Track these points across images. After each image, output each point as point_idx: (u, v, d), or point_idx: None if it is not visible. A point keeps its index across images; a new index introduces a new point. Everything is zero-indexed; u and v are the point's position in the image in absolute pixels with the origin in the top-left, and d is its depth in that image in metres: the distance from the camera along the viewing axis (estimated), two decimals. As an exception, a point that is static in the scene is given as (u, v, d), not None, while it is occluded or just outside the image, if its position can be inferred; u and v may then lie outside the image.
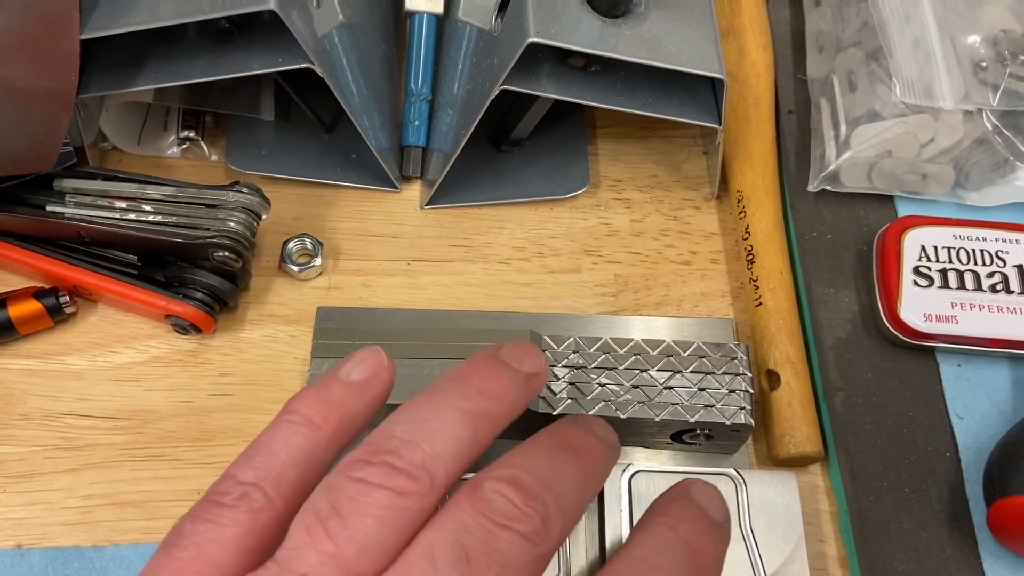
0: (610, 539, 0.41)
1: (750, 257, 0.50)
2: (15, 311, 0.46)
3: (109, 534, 0.43)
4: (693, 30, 0.47)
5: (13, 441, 0.45)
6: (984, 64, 0.49)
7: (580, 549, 0.41)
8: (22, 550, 0.42)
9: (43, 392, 0.46)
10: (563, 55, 0.47)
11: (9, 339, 0.47)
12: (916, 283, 0.47)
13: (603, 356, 0.43)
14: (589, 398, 0.42)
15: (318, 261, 0.50)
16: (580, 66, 0.47)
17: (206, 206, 0.46)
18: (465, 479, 0.29)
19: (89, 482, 0.44)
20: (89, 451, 0.45)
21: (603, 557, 0.41)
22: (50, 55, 0.42)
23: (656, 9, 0.48)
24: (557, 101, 0.49)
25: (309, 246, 0.51)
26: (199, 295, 0.47)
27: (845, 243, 0.51)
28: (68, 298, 0.47)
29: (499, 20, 0.53)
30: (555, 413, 0.42)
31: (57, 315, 0.47)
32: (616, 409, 0.42)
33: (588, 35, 0.45)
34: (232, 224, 0.45)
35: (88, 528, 0.43)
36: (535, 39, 0.44)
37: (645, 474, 0.42)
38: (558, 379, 0.43)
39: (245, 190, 0.46)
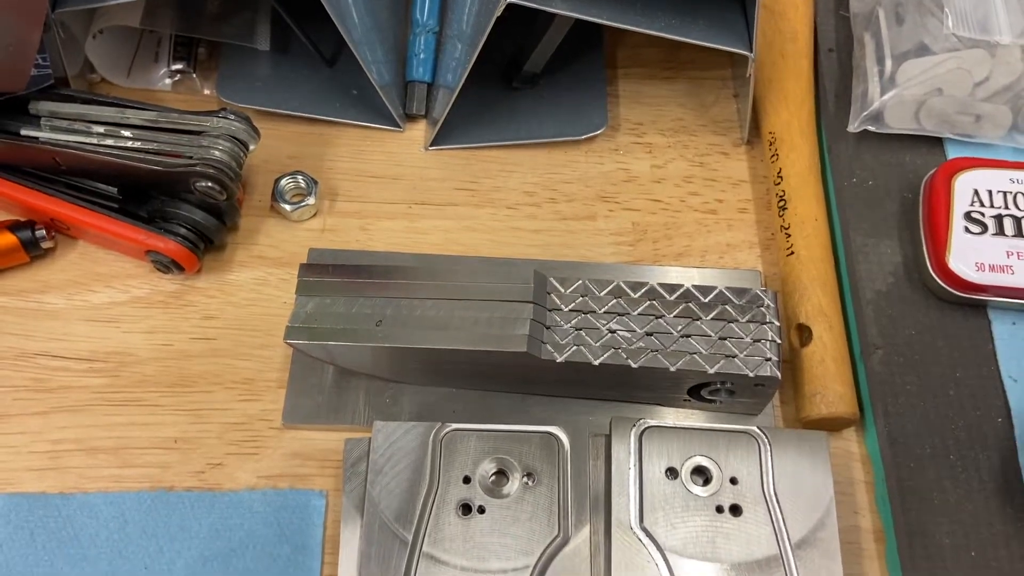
0: (616, 500, 0.36)
1: (782, 203, 0.46)
2: (-12, 244, 0.43)
3: (78, 481, 0.40)
4: (723, -53, 0.43)
5: (-19, 381, 0.42)
6: (1048, -6, 0.45)
7: (583, 510, 0.37)
8: (-16, 495, 0.39)
9: (15, 331, 0.44)
10: (579, -26, 0.43)
11: (-18, 274, 0.44)
12: (968, 230, 0.42)
13: (614, 301, 0.39)
14: (597, 345, 0.38)
15: (312, 200, 0.47)
16: (597, -17, 0.43)
17: (189, 133, 0.42)
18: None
19: (59, 426, 0.41)
20: (61, 394, 0.42)
21: (608, 519, 0.36)
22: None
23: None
24: (574, 34, 0.45)
25: (303, 184, 0.47)
26: (182, 231, 0.43)
27: (888, 190, 0.46)
28: (45, 232, 0.44)
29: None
30: (559, 360, 0.38)
31: (33, 250, 0.44)
32: (627, 357, 0.38)
33: (606, -52, 0.41)
34: (216, 152, 0.42)
35: (56, 474, 0.40)
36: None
37: (658, 430, 0.38)
38: (564, 324, 0.39)
39: (232, 117, 0.43)
